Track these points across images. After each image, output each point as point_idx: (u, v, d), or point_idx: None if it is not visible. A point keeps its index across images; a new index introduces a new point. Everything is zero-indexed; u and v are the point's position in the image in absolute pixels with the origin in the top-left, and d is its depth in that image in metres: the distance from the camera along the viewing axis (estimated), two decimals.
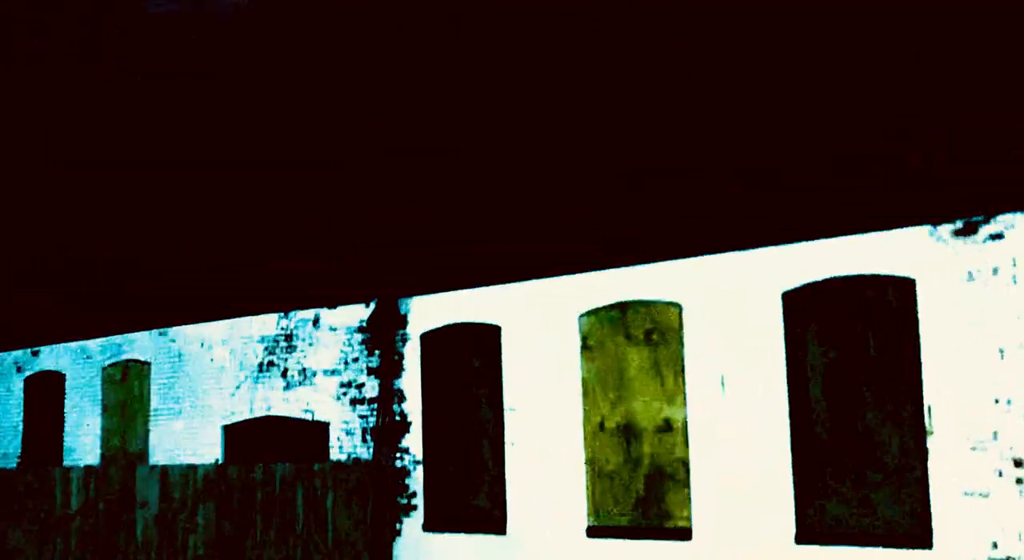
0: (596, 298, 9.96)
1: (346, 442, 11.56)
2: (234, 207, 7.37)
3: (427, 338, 11.17)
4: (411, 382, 11.16)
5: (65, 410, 14.62)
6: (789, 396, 8.81)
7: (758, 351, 8.98)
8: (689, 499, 9.22)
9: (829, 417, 8.55)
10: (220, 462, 11.34)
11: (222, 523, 9.31)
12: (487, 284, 10.68)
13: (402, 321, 11.34)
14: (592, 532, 9.71)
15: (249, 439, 12.50)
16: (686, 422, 9.34)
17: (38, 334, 15.01)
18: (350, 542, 10.62)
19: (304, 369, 12.06)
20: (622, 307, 9.85)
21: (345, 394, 11.65)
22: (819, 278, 8.69)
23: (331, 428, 11.70)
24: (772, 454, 8.81)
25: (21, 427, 15.24)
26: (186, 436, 13.07)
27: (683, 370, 9.40)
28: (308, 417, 11.91)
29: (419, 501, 10.91)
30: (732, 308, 9.17)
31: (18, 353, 15.43)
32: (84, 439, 14.28)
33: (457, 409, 10.85)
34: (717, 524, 9.08)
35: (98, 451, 14.04)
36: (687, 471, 9.28)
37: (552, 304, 10.25)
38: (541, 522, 10.08)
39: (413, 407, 11.11)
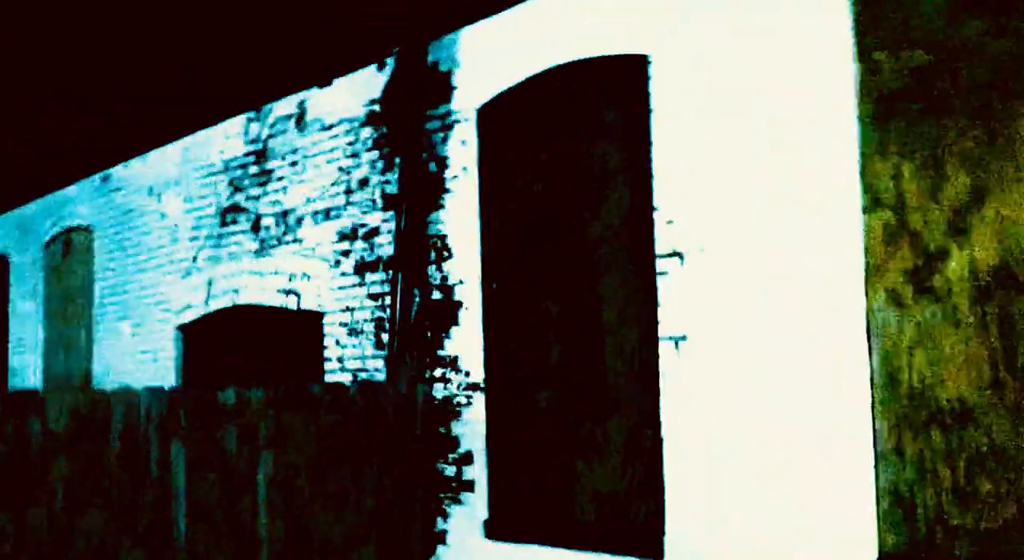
0: None
1: (349, 346, 5.79)
2: None
3: (490, 114, 5.13)
4: (461, 217, 5.23)
5: (8, 307, 9.66)
6: None
7: None
8: None
9: None
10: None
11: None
12: None
13: (441, 85, 5.35)
14: None
15: (213, 343, 6.98)
16: None
17: None
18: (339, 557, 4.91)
19: (284, 213, 6.33)
20: None
21: (347, 254, 5.86)
22: None
23: (326, 321, 5.96)
24: None
25: None
26: (134, 344, 7.72)
27: None
28: (290, 305, 6.21)
29: (479, 475, 5.05)
30: None
31: None
32: (28, 353, 9.26)
33: (552, 269, 4.83)
34: None
35: (40, 373, 8.98)
36: None
37: None
38: (750, 541, 3.99)
39: (466, 269, 5.19)
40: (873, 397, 3.60)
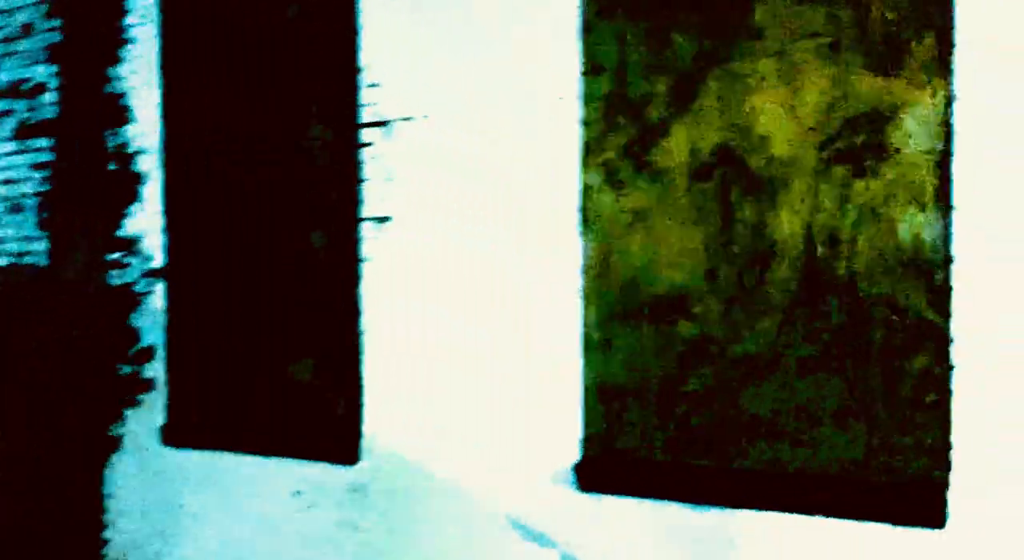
0: None
1: (9, 225, 4.92)
2: None
3: None
4: (142, 74, 4.45)
5: None
6: None
7: None
8: (948, 394, 2.78)
9: None
10: None
11: None
12: None
13: None
14: (589, 475, 3.29)
15: None
16: (949, 137, 2.79)
17: None
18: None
19: None
20: None
21: (7, 114, 4.92)
22: None
23: None
24: None
25: None
26: None
27: None
28: None
29: (158, 374, 4.42)
30: None
31: None
32: None
33: (247, 138, 4.18)
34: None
35: None
36: (942, 313, 2.77)
37: None
38: (452, 441, 3.63)
39: (148, 137, 4.44)
40: (584, 284, 3.27)
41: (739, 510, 3.01)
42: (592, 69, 3.24)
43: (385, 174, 3.70)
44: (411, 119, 3.62)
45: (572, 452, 3.29)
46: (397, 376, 3.68)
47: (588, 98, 3.25)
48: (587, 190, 3.25)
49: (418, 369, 3.63)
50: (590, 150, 3.25)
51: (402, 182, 3.66)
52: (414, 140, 3.63)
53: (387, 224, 3.71)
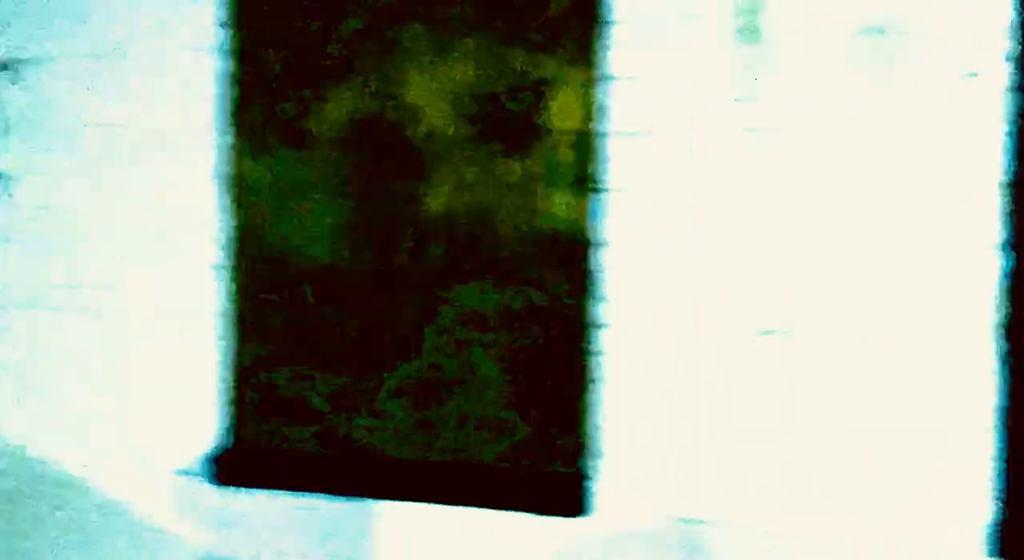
0: None
1: None
2: None
3: None
4: None
5: None
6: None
7: None
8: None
9: None
10: None
11: None
12: None
13: None
14: (224, 468, 3.00)
15: None
16: (604, 117, 2.71)
17: None
18: None
19: None
20: None
21: None
22: None
23: None
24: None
25: None
26: None
27: None
28: None
29: None
30: None
31: None
32: None
33: None
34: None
35: None
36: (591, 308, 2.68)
37: None
38: (79, 433, 3.20)
39: None
40: (222, 259, 2.96)
41: (383, 501, 2.82)
42: (233, 22, 2.93)
43: (4, 124, 3.19)
44: (38, 61, 3.14)
45: (207, 443, 2.98)
46: (22, 362, 3.20)
47: (227, 53, 2.93)
48: (232, 159, 2.94)
49: (45, 354, 3.17)
50: (229, 111, 2.93)
51: (27, 134, 3.18)
52: (41, 86, 3.15)
53: (11, 183, 3.21)
